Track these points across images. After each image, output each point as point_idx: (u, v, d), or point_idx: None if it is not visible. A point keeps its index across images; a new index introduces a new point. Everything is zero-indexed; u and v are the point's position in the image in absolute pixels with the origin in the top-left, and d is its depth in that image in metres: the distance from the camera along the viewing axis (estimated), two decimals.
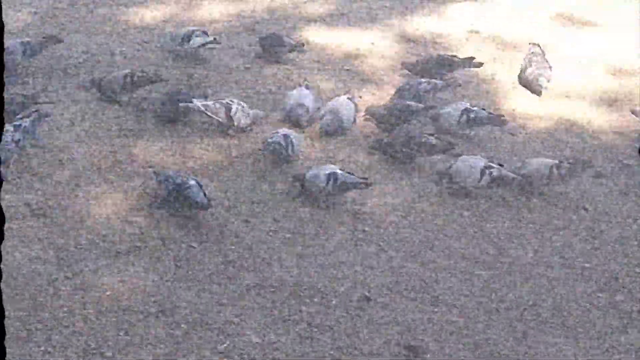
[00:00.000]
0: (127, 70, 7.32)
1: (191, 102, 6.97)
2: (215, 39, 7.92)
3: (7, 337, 4.99)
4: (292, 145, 6.65)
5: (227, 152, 6.83)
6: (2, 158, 6.25)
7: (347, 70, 8.04)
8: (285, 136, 6.66)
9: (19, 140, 6.36)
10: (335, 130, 7.07)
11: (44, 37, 7.67)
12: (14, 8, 8.31)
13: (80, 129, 6.91)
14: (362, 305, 5.63)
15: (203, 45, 7.87)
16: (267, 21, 8.65)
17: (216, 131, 6.99)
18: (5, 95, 6.66)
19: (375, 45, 8.41)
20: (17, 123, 6.42)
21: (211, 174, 6.56)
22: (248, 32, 8.45)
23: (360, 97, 7.47)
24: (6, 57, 7.07)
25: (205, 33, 7.93)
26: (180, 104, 6.97)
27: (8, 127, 6.34)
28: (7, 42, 7.39)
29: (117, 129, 6.96)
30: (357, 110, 7.17)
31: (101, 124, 7.00)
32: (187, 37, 7.83)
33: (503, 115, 7.33)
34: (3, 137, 6.14)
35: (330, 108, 7.12)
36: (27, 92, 7.04)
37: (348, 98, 7.22)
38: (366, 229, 6.24)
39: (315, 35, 8.46)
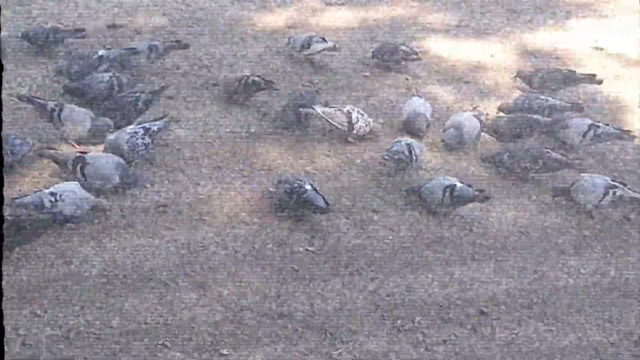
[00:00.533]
0: (242, 74, 7.43)
1: (312, 108, 7.03)
2: (334, 45, 7.98)
3: (128, 330, 5.19)
4: (415, 155, 6.65)
5: (346, 158, 6.87)
6: (131, 159, 6.40)
7: (467, 82, 8.00)
8: (409, 145, 6.66)
9: (148, 143, 6.52)
10: (456, 145, 7.04)
11: (171, 41, 7.83)
12: (146, 12, 8.54)
13: (203, 129, 7.04)
14: (478, 320, 5.59)
15: (322, 51, 7.95)
16: (387, 30, 8.67)
17: (336, 138, 7.04)
18: (127, 93, 6.86)
19: (494, 57, 8.36)
20: (147, 126, 6.57)
21: (330, 180, 6.61)
22: (368, 39, 8.48)
23: (488, 114, 7.37)
24: (133, 58, 7.34)
25: (324, 39, 8.00)
26: (301, 110, 7.04)
27: (138, 129, 6.50)
28: (136, 44, 7.61)
29: (239, 130, 7.08)
30: (482, 127, 7.11)
31: (223, 125, 7.12)
32: (307, 43, 7.92)
33: (631, 130, 7.18)
34: (133, 138, 6.35)
35: (454, 123, 7.09)
36: (150, 90, 7.19)
37: (474, 115, 7.17)
38: (483, 242, 6.19)
39: (435, 46, 8.45)
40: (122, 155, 6.36)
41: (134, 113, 6.86)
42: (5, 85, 7.33)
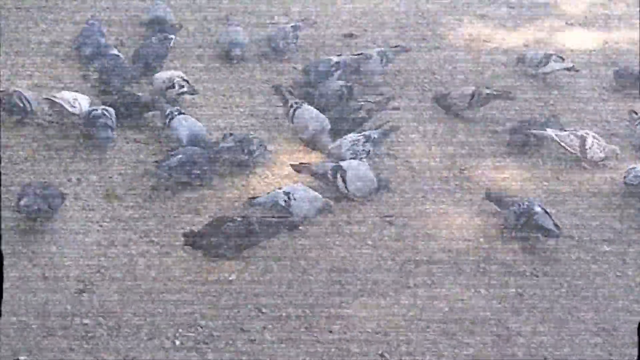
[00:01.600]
0: (472, 88, 7.33)
1: (545, 130, 6.85)
2: (573, 65, 7.76)
3: (347, 337, 5.22)
4: None
5: (578, 184, 6.63)
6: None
7: None
8: None
9: (369, 151, 6.58)
10: None
11: (394, 46, 7.85)
12: (381, 25, 8.60)
13: (430, 143, 6.99)
14: None
15: (559, 70, 7.75)
16: (630, 53, 8.33)
17: (568, 162, 6.82)
18: (353, 102, 6.93)
19: None
20: (367, 134, 6.65)
21: (560, 205, 6.39)
22: (608, 63, 8.18)
23: None
24: (365, 65, 7.42)
25: (561, 58, 7.79)
26: (534, 131, 6.87)
27: (358, 137, 6.57)
28: (368, 51, 7.68)
29: (467, 147, 6.98)
30: None
31: (450, 140, 7.06)
32: (544, 61, 7.74)
33: None
34: (355, 146, 6.44)
35: None
36: (375, 100, 7.19)
37: None
38: None
39: None
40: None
41: (357, 121, 6.93)
42: (253, 79, 7.63)
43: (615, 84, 7.80)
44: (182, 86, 7.13)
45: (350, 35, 8.34)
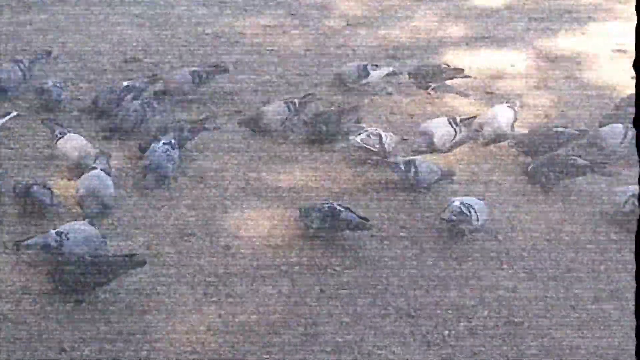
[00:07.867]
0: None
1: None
2: (393, 70, 7.91)
3: None
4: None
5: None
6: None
7: (489, 92, 7.93)
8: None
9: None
10: (494, 139, 7.09)
11: (210, 66, 7.79)
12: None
13: (229, 157, 7.01)
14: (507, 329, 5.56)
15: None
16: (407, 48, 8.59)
17: (365, 160, 6.97)
18: (171, 121, 6.89)
19: (515, 67, 8.28)
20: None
21: (356, 201, 6.54)
22: (390, 57, 8.38)
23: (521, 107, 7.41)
24: (176, 85, 7.35)
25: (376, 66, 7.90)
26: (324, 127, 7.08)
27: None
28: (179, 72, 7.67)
29: (266, 156, 7.03)
30: (516, 118, 7.21)
31: (250, 152, 7.09)
32: (364, 72, 7.77)
33: None
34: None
35: (489, 117, 7.22)
36: (192, 118, 7.22)
37: (508, 106, 7.28)
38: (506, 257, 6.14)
39: (456, 58, 8.36)
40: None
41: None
42: None
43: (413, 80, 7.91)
44: None
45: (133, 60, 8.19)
